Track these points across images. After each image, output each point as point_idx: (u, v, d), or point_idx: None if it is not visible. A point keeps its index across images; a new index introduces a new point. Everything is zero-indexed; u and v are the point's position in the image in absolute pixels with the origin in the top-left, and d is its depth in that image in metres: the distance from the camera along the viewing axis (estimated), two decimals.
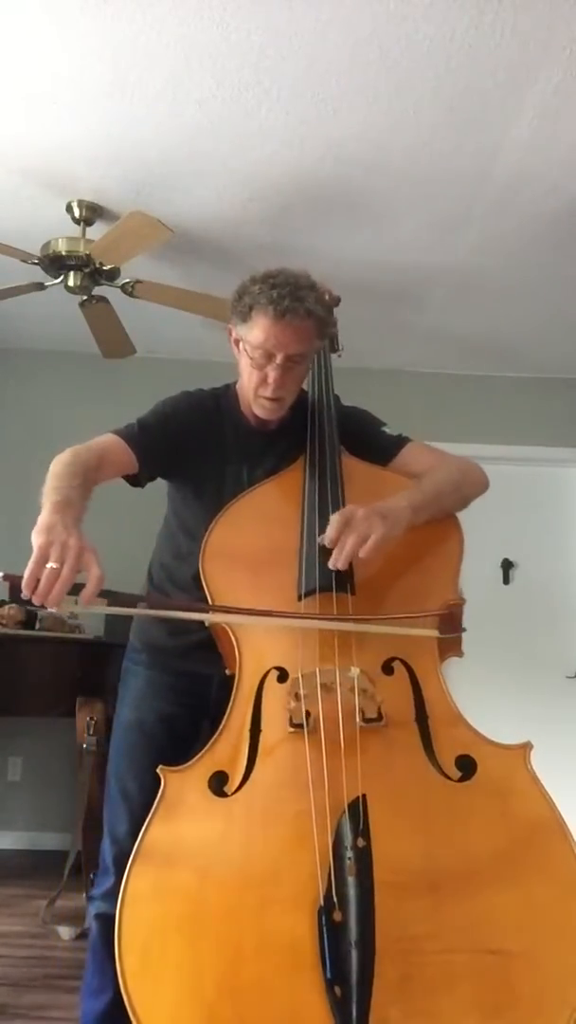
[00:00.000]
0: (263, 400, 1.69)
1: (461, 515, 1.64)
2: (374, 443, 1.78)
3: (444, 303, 3.89)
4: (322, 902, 1.11)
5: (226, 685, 1.48)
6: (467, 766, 1.27)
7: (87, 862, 3.09)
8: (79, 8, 2.19)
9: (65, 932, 2.90)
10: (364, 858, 1.14)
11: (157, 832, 1.25)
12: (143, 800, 1.39)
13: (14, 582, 1.25)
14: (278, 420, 1.78)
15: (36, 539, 1.28)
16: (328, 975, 1.07)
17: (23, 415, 4.56)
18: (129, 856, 1.24)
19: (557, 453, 4.69)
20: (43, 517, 1.33)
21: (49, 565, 1.24)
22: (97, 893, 1.67)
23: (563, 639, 4.57)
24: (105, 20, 2.23)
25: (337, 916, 1.10)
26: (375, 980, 1.07)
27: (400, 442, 1.80)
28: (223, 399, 1.83)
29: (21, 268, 3.24)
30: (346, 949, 1.09)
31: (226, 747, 1.34)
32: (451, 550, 1.55)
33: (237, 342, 1.71)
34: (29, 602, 1.25)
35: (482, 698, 4.30)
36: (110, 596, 1.31)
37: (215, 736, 1.36)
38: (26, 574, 1.24)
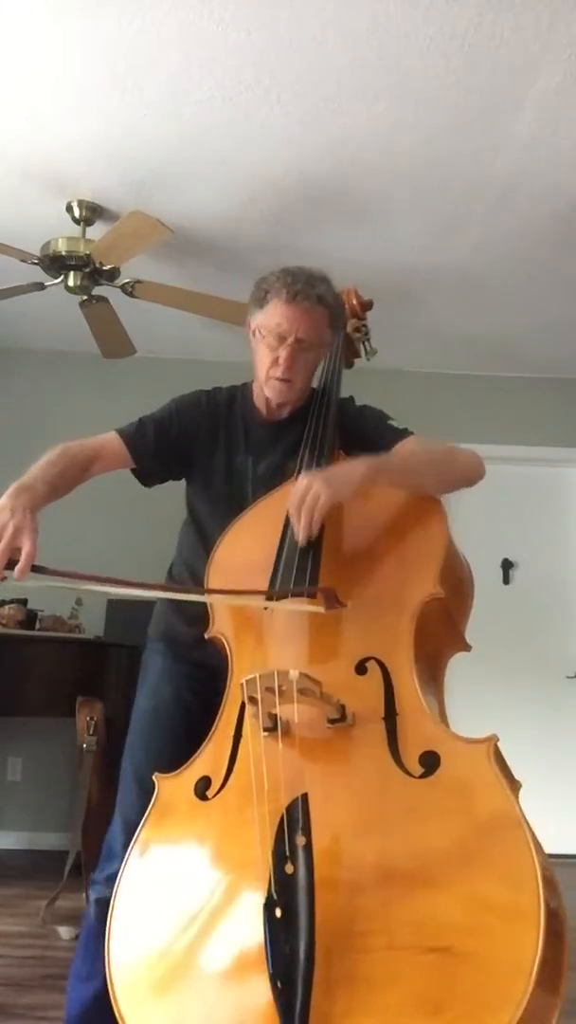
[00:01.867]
0: (274, 381, 1.74)
1: (462, 515, 1.63)
2: (375, 437, 1.79)
3: (444, 303, 3.89)
4: (264, 898, 1.14)
5: None
6: (430, 762, 1.25)
7: (87, 862, 3.08)
8: (79, 8, 2.19)
9: (65, 932, 2.90)
10: (306, 855, 1.16)
11: (149, 832, 1.35)
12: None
13: None
14: (288, 413, 1.81)
15: None
16: (270, 969, 1.09)
17: (23, 415, 4.56)
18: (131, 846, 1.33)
19: (557, 453, 4.69)
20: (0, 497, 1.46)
21: None
22: (100, 877, 1.69)
23: (563, 639, 4.58)
24: (105, 20, 2.23)
25: (278, 912, 1.12)
26: (315, 976, 1.07)
27: (397, 435, 1.79)
28: (239, 394, 1.88)
29: (21, 268, 3.24)
30: (286, 944, 1.10)
31: (213, 752, 1.40)
32: (436, 547, 1.53)
33: (255, 332, 1.77)
34: None
35: (482, 698, 4.32)
36: (43, 571, 1.41)
37: (205, 741, 1.42)
38: None
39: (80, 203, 3.13)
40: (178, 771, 1.40)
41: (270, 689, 1.29)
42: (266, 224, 3.20)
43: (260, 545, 1.61)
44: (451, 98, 2.49)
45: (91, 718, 3.18)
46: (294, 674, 1.27)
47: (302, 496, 1.51)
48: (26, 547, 1.40)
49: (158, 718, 1.74)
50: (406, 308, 3.94)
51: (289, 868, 1.15)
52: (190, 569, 1.82)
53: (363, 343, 2.05)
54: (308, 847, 1.16)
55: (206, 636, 1.55)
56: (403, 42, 2.27)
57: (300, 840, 1.17)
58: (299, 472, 1.66)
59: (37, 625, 3.75)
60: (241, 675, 1.41)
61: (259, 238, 3.31)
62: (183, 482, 1.88)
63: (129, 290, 3.33)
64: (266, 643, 1.50)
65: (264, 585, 1.52)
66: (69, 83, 2.50)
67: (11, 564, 1.39)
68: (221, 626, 1.55)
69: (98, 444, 1.73)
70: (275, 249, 3.30)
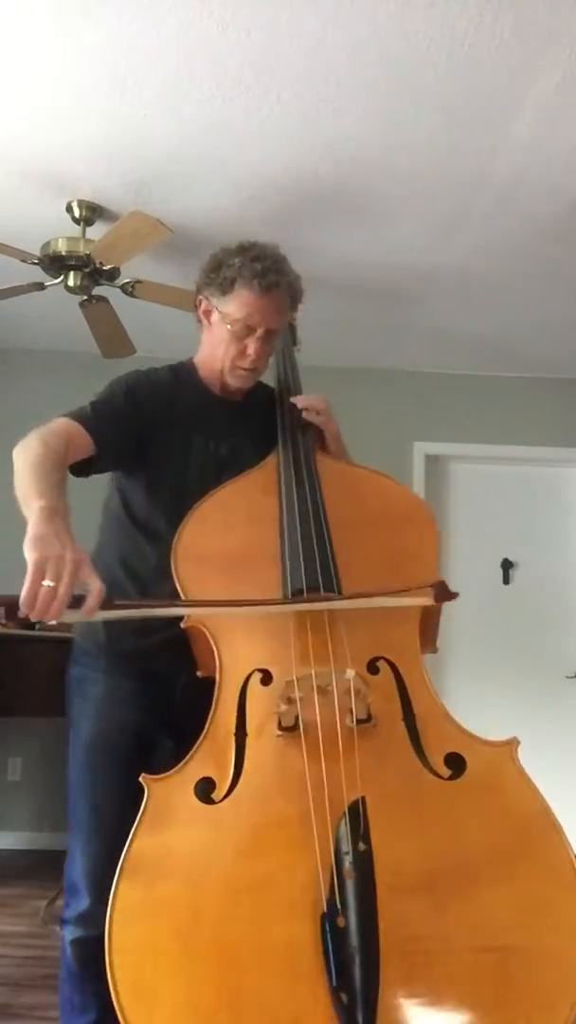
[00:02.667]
0: (240, 371, 1.70)
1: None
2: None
3: (444, 303, 3.89)
4: (325, 908, 1.10)
5: (193, 688, 1.44)
6: (456, 764, 1.26)
7: None
8: (79, 8, 2.19)
9: None
10: (366, 861, 1.13)
11: (143, 843, 1.21)
12: (117, 816, 1.33)
13: (7, 604, 1.21)
14: (241, 396, 1.77)
15: (30, 553, 1.21)
16: (334, 983, 1.05)
17: (23, 415, 4.55)
18: (106, 876, 1.19)
19: (557, 453, 4.69)
20: (34, 527, 1.26)
21: (45, 583, 1.19)
22: (70, 916, 1.58)
23: (563, 639, 4.58)
24: (105, 20, 2.23)
25: (341, 922, 1.09)
26: (381, 983, 1.06)
27: None
28: (180, 373, 1.79)
29: (21, 268, 3.24)
30: (351, 955, 1.07)
31: (211, 752, 1.30)
32: (428, 547, 1.54)
33: (208, 313, 1.70)
34: (26, 620, 1.20)
35: (482, 698, 4.32)
36: (109, 605, 1.27)
37: (198, 742, 1.32)
38: (23, 593, 1.19)
39: (80, 203, 3.13)
40: (170, 772, 1.28)
41: (321, 689, 1.26)
42: (266, 224, 3.20)
43: (242, 531, 1.52)
44: (451, 98, 2.48)
45: None
46: (351, 673, 1.26)
47: (322, 406, 1.71)
48: (94, 583, 1.22)
49: (109, 743, 1.61)
50: (406, 308, 3.94)
51: (351, 875, 1.11)
52: (127, 568, 1.67)
53: (294, 331, 2.01)
54: (369, 853, 1.13)
55: (182, 625, 1.42)
56: (403, 42, 2.27)
57: (361, 846, 1.14)
58: (280, 459, 1.62)
59: (37, 625, 3.75)
60: (237, 670, 1.36)
61: (259, 238, 3.29)
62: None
63: (129, 290, 3.33)
64: (263, 636, 1.40)
65: (262, 577, 1.44)
66: (69, 83, 2.49)
67: (74, 602, 1.22)
68: (203, 616, 1.42)
69: (66, 436, 1.55)
70: None
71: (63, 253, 3.17)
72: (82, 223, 3.18)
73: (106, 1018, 1.57)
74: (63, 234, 3.17)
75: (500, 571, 4.65)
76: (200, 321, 1.76)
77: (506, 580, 4.66)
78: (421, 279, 3.66)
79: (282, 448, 1.64)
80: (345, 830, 1.16)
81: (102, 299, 3.40)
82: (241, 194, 3.03)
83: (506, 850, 1.19)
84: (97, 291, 3.35)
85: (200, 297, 1.72)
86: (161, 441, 1.69)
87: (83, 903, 1.55)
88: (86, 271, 3.20)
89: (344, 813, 1.17)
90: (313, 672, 1.27)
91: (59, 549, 1.22)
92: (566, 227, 3.17)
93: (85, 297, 3.37)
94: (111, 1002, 1.54)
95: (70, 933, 1.58)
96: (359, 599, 1.38)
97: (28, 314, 4.07)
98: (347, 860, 1.13)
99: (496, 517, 4.65)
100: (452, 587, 1.39)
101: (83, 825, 1.60)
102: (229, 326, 1.65)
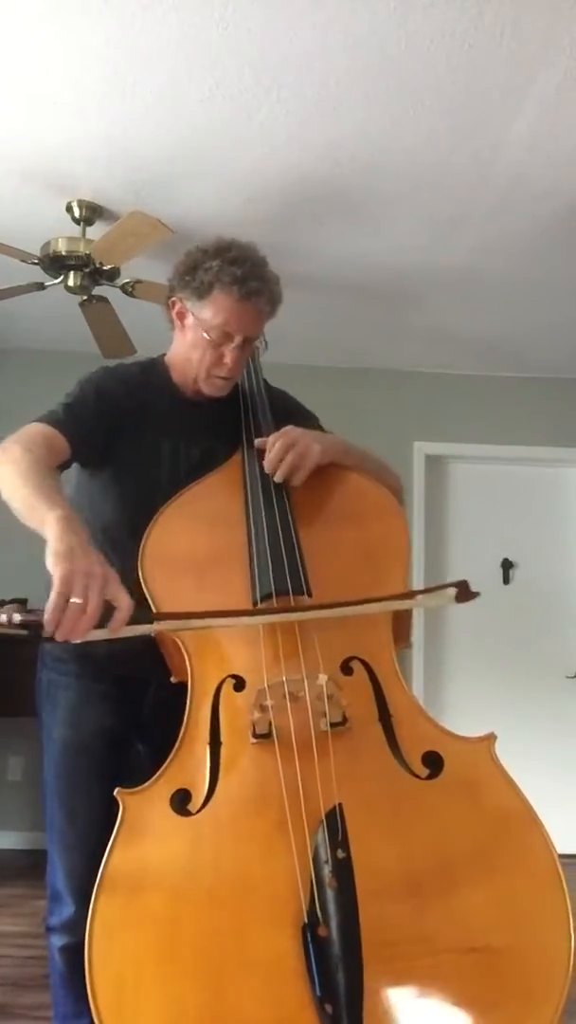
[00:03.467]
0: (216, 380, 1.62)
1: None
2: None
3: (444, 303, 3.89)
4: (306, 918, 1.08)
5: (165, 689, 1.41)
6: (434, 762, 1.24)
7: None
8: (79, 8, 2.19)
9: None
10: (345, 869, 1.11)
11: (120, 858, 1.18)
12: (93, 822, 1.31)
13: (32, 625, 1.14)
14: (214, 397, 1.69)
15: (56, 568, 1.14)
16: (318, 992, 1.03)
17: (23, 415, 4.55)
18: (87, 881, 1.17)
19: (557, 453, 4.69)
20: (57, 540, 1.17)
21: (73, 600, 1.12)
22: (56, 924, 1.56)
23: (563, 639, 4.58)
24: (105, 20, 2.23)
25: (322, 931, 1.07)
26: (364, 991, 1.04)
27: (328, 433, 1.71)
28: (151, 372, 1.71)
29: (21, 268, 3.24)
30: (334, 964, 1.05)
31: (185, 763, 1.26)
32: (400, 542, 1.50)
33: (182, 315, 1.62)
34: (50, 638, 1.13)
35: (482, 698, 4.33)
36: (138, 621, 1.21)
37: (172, 752, 1.28)
38: (49, 611, 1.12)
39: (80, 203, 3.13)
40: (144, 785, 1.24)
41: (293, 695, 1.23)
42: (266, 224, 3.20)
43: (208, 533, 1.48)
44: (451, 98, 2.49)
45: None
46: (323, 678, 1.23)
47: (292, 440, 1.46)
48: (124, 599, 1.15)
49: (82, 748, 1.58)
50: (406, 308, 3.94)
51: (332, 884, 1.09)
52: None
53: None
54: (348, 861, 1.11)
55: (151, 633, 1.37)
56: (403, 42, 2.27)
57: (340, 854, 1.11)
58: (244, 457, 1.57)
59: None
60: (209, 677, 1.32)
61: (259, 238, 3.26)
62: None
63: (129, 290, 3.33)
64: (235, 643, 1.36)
65: (231, 581, 1.40)
66: (69, 83, 2.49)
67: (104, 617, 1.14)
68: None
69: (45, 441, 1.50)
70: (275, 249, 3.27)
71: (63, 253, 3.17)
72: (82, 223, 3.18)
73: None
74: (63, 234, 3.17)
75: (500, 571, 4.65)
76: (172, 321, 1.67)
77: (506, 580, 4.66)
78: (421, 279, 3.66)
79: (247, 447, 1.59)
80: (323, 838, 1.13)
81: (102, 299, 3.40)
82: (241, 194, 3.04)
83: (486, 848, 1.17)
84: (97, 291, 3.35)
85: (174, 298, 1.64)
86: (128, 442, 1.62)
87: (68, 910, 1.53)
88: (86, 271, 3.20)
89: (322, 821, 1.14)
90: (284, 679, 1.24)
91: (86, 564, 1.14)
92: (566, 227, 3.16)
93: (85, 297, 3.37)
94: None
95: (58, 940, 1.56)
96: (372, 603, 1.34)
97: (28, 314, 4.07)
98: (326, 869, 1.11)
99: (496, 517, 4.65)
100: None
101: (60, 833, 1.57)
102: (205, 333, 1.57)
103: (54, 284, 3.28)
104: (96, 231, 3.15)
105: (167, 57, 2.37)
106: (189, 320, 1.61)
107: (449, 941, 1.10)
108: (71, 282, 3.23)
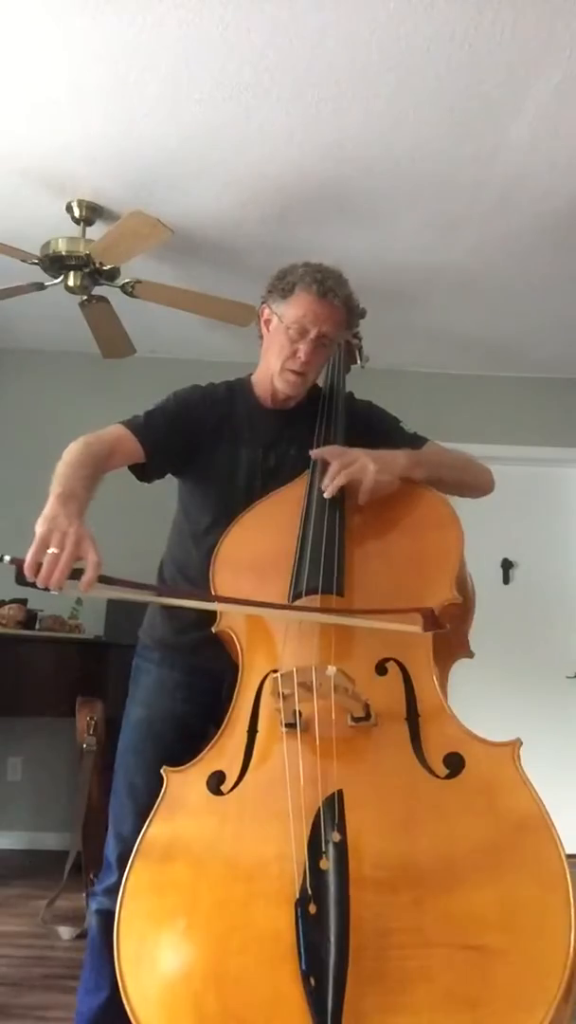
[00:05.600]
0: (289, 373, 1.75)
1: (462, 515, 1.63)
2: (386, 438, 1.80)
3: (444, 303, 3.89)
4: (298, 894, 1.13)
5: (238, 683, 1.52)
6: (455, 763, 1.27)
7: (87, 862, 3.09)
8: (79, 8, 2.19)
9: (65, 932, 2.90)
10: (339, 852, 1.15)
11: (157, 829, 1.31)
12: (150, 798, 1.41)
13: (19, 565, 1.33)
14: (293, 405, 1.82)
15: (38, 527, 1.36)
16: (303, 967, 1.08)
17: (23, 415, 4.56)
18: (132, 853, 1.29)
19: (557, 453, 4.69)
20: (47, 508, 1.41)
21: (50, 550, 1.32)
22: (99, 889, 1.69)
23: (563, 639, 4.58)
24: (105, 20, 2.23)
25: (312, 908, 1.11)
26: (350, 973, 1.07)
27: (415, 442, 1.82)
28: (236, 388, 1.87)
29: (21, 268, 3.24)
30: (320, 941, 1.09)
31: (226, 747, 1.38)
32: (452, 552, 1.54)
33: (268, 322, 1.79)
34: (32, 585, 1.32)
35: (482, 698, 4.31)
36: (109, 581, 1.37)
37: (216, 737, 1.40)
38: (28, 557, 1.32)
39: (80, 203, 3.13)
40: (188, 765, 1.38)
41: (304, 684, 1.29)
42: (266, 224, 3.20)
43: (271, 539, 1.61)
44: (451, 98, 2.49)
45: (91, 718, 3.18)
46: (331, 670, 1.28)
47: (349, 460, 1.57)
48: (91, 556, 1.34)
49: (152, 730, 1.72)
50: (406, 308, 3.94)
51: (324, 864, 1.15)
52: (181, 570, 1.81)
53: (359, 350, 2.06)
54: (343, 844, 1.16)
55: (213, 630, 1.53)
56: (403, 42, 2.27)
57: (335, 836, 1.17)
58: (312, 470, 1.66)
59: (37, 625, 3.75)
60: (256, 670, 1.43)
61: (259, 238, 3.31)
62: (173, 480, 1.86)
63: (129, 290, 3.33)
64: (282, 638, 1.47)
65: (279, 581, 1.51)
66: (69, 83, 2.49)
67: (75, 574, 1.33)
68: (230, 621, 1.53)
69: (112, 440, 1.68)
70: (275, 249, 3.30)
71: (63, 253, 3.17)
72: (82, 223, 3.18)
73: (116, 998, 1.61)
74: (63, 234, 3.17)
75: (500, 571, 4.65)
76: (261, 336, 1.84)
77: (506, 580, 4.66)
78: (421, 279, 3.66)
79: (315, 462, 1.69)
80: (321, 821, 1.19)
81: (102, 299, 3.40)
82: (241, 194, 3.04)
83: (494, 851, 1.19)
84: (97, 291, 3.36)
85: (263, 306, 1.81)
86: (211, 452, 1.78)
87: (112, 877, 1.64)
88: (86, 271, 3.20)
89: (320, 805, 1.21)
90: (295, 669, 1.30)
91: (64, 525, 1.36)
92: (566, 227, 3.17)
93: (85, 297, 3.37)
94: None
95: (96, 903, 1.69)
96: (343, 615, 1.44)
97: (28, 314, 4.07)
98: (321, 850, 1.17)
99: (496, 517, 4.64)
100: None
101: (119, 805, 1.70)
102: (287, 325, 1.72)
103: (54, 284, 3.28)
104: (96, 231, 3.15)
105: (167, 57, 2.37)
106: (274, 323, 1.77)
107: (443, 936, 1.11)
108: (71, 282, 3.23)
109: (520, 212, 3.09)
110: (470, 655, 1.58)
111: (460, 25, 2.20)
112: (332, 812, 1.19)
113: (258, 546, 1.62)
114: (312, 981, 1.07)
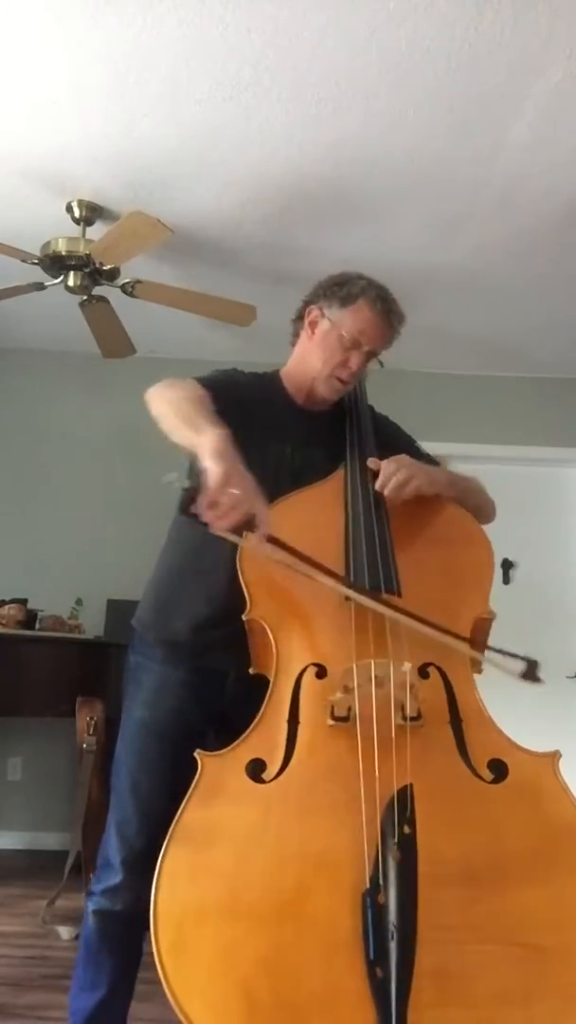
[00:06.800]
0: (336, 380, 1.77)
1: None
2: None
3: (444, 303, 3.89)
4: (367, 884, 1.15)
5: (243, 682, 1.51)
6: (499, 769, 1.32)
7: (87, 862, 3.08)
8: (80, 8, 2.19)
9: (65, 932, 2.90)
10: (409, 845, 1.19)
11: (194, 814, 1.28)
12: (156, 799, 1.41)
13: (192, 495, 1.29)
14: (323, 409, 1.84)
15: (214, 463, 1.30)
16: (371, 956, 1.11)
17: (23, 415, 4.56)
18: (139, 854, 1.30)
19: (557, 453, 4.69)
20: (212, 440, 1.34)
21: (232, 490, 1.28)
22: (98, 889, 1.66)
23: (563, 639, 4.58)
24: (105, 20, 2.23)
25: (381, 899, 1.14)
26: (416, 962, 1.11)
27: (432, 463, 1.86)
28: (267, 379, 1.87)
29: (21, 268, 3.24)
30: (389, 931, 1.13)
31: (264, 736, 1.37)
32: (484, 570, 1.66)
33: (314, 324, 1.79)
34: (195, 517, 1.28)
35: (482, 698, 4.31)
36: (276, 542, 1.34)
37: (252, 726, 1.38)
38: (211, 490, 1.27)
39: (80, 203, 3.13)
40: (223, 751, 1.35)
41: (378, 679, 1.32)
42: (266, 224, 3.20)
43: (312, 530, 1.58)
44: (451, 98, 2.49)
45: (91, 718, 3.18)
46: (407, 666, 1.32)
47: (396, 468, 1.59)
48: (263, 510, 1.32)
49: (155, 730, 1.69)
50: (406, 308, 3.91)
51: (396, 856, 1.18)
52: (193, 562, 1.74)
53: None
54: (413, 837, 1.20)
55: (244, 617, 1.48)
56: (403, 42, 2.27)
57: (406, 829, 1.20)
58: (348, 470, 1.68)
59: (37, 625, 3.75)
60: (295, 660, 1.43)
61: (259, 238, 3.31)
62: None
63: (129, 290, 3.33)
64: (322, 632, 1.47)
65: (333, 564, 1.49)
66: (69, 83, 2.49)
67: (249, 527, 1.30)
68: (264, 611, 1.48)
69: (201, 391, 1.61)
70: (275, 249, 3.30)
71: (63, 253, 3.17)
72: (82, 223, 3.18)
73: (114, 998, 1.63)
74: (63, 234, 3.17)
75: (500, 571, 4.65)
76: (298, 334, 1.84)
77: (506, 580, 4.66)
78: (421, 279, 3.65)
79: (350, 462, 1.71)
80: (392, 813, 1.21)
81: (102, 299, 3.40)
82: (241, 194, 3.04)
83: (542, 854, 1.24)
84: (97, 291, 3.35)
85: (312, 307, 1.80)
86: (245, 437, 1.70)
87: (115, 878, 1.61)
88: (86, 271, 3.20)
89: (393, 796, 1.22)
90: (372, 662, 1.33)
91: (241, 470, 1.32)
92: (566, 227, 3.17)
93: (85, 297, 3.37)
94: (121, 983, 1.61)
95: (94, 904, 1.66)
96: (449, 636, 1.44)
97: (28, 314, 4.07)
98: (391, 841, 1.19)
99: (496, 517, 4.64)
100: None
101: (122, 804, 1.67)
102: (343, 333, 1.74)
103: (54, 284, 3.28)
104: (96, 231, 3.15)
105: (167, 57, 2.37)
106: (324, 326, 1.78)
107: (499, 933, 1.16)
108: (71, 282, 3.23)
109: (520, 212, 3.08)
110: (479, 671, 1.60)
111: (460, 25, 2.20)
112: (405, 805, 1.22)
113: (296, 540, 1.55)
114: (379, 971, 1.10)
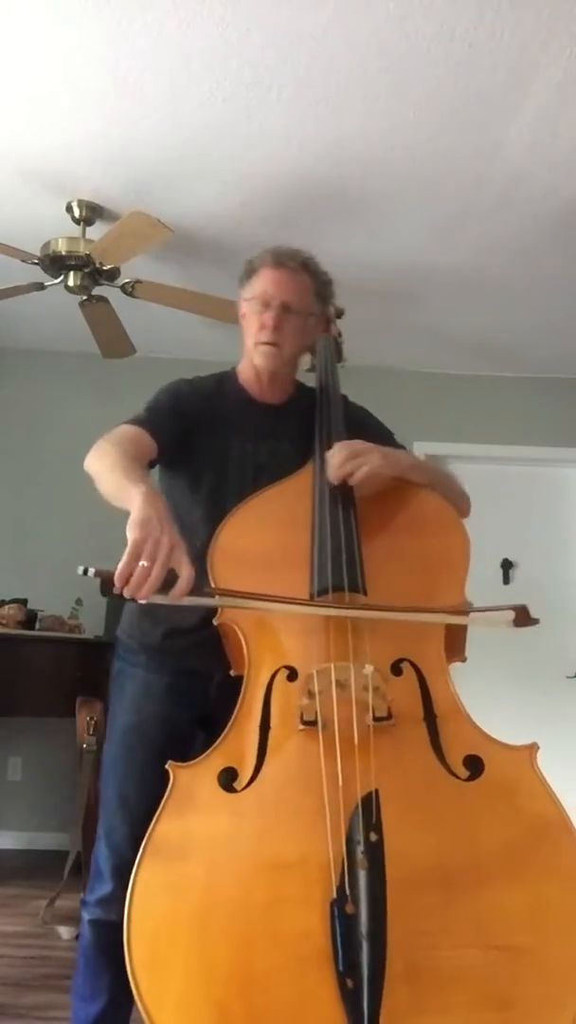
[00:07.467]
0: (261, 346, 1.73)
1: None
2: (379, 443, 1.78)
3: (444, 303, 3.89)
4: (335, 894, 1.13)
5: (227, 685, 1.48)
6: (475, 765, 1.28)
7: (87, 862, 3.08)
8: (80, 8, 2.19)
9: (65, 932, 2.90)
10: (376, 852, 1.16)
11: (166, 827, 1.26)
12: (144, 806, 1.37)
13: (106, 579, 1.28)
14: (281, 400, 1.80)
15: (132, 533, 1.29)
16: (340, 967, 1.08)
17: (23, 415, 4.56)
18: (129, 863, 1.24)
19: (557, 453, 4.69)
20: (137, 509, 1.32)
21: (141, 563, 1.25)
22: (91, 899, 1.64)
23: (563, 639, 4.57)
24: (105, 20, 2.23)
25: (350, 908, 1.12)
26: (387, 972, 1.08)
27: (403, 451, 1.79)
28: (224, 379, 1.85)
29: (21, 268, 3.24)
30: (358, 941, 1.10)
31: (235, 744, 1.34)
32: (459, 556, 1.55)
33: (242, 306, 1.78)
34: (119, 597, 1.28)
35: (482, 698, 4.30)
36: (200, 592, 1.33)
37: (223, 734, 1.36)
38: (119, 569, 1.26)
39: (80, 203, 3.13)
40: (195, 761, 1.33)
41: (340, 682, 1.29)
42: (266, 224, 3.20)
43: (277, 532, 1.56)
44: (451, 98, 2.49)
45: (91, 718, 3.18)
46: (369, 668, 1.29)
47: (356, 451, 1.54)
48: (186, 570, 1.28)
49: (140, 736, 1.66)
50: (406, 307, 3.94)
51: (363, 864, 1.15)
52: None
53: (341, 348, 2.04)
54: (380, 844, 1.17)
55: (214, 622, 1.46)
56: (403, 42, 2.27)
57: (372, 836, 1.17)
58: (316, 465, 1.63)
59: (37, 625, 3.76)
60: (266, 665, 1.39)
61: (259, 238, 3.28)
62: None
63: (129, 290, 3.33)
64: (293, 634, 1.43)
65: (293, 576, 1.47)
66: (69, 83, 2.49)
67: (166, 584, 1.27)
68: (234, 615, 1.45)
69: (136, 440, 1.62)
70: None
71: (63, 253, 3.17)
72: (82, 223, 3.18)
73: (115, 1009, 1.61)
74: (63, 234, 3.17)
75: (500, 571, 4.65)
76: (242, 330, 1.82)
77: (506, 580, 4.66)
78: (421, 279, 3.66)
79: (319, 454, 1.66)
80: (358, 821, 1.18)
81: (102, 299, 3.40)
82: (241, 194, 3.04)
83: (519, 852, 1.21)
84: (97, 291, 3.36)
85: (239, 302, 1.80)
86: (201, 444, 1.74)
87: (106, 888, 1.60)
88: (86, 271, 3.20)
89: (357, 804, 1.20)
90: (333, 666, 1.30)
91: (158, 532, 1.28)
92: (566, 227, 3.17)
93: (85, 297, 3.37)
94: (120, 993, 1.56)
95: (89, 914, 1.64)
96: (425, 613, 1.40)
97: (28, 314, 4.07)
98: (359, 849, 1.16)
99: (496, 517, 4.64)
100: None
101: (110, 813, 1.65)
102: (252, 299, 1.73)
103: (54, 284, 3.28)
104: (96, 231, 3.15)
105: (167, 57, 2.37)
106: (243, 308, 1.77)
107: (473, 937, 1.13)
108: (71, 282, 3.24)
109: (520, 212, 3.08)
110: (463, 659, 1.58)
111: (460, 25, 2.20)
112: (370, 812, 1.19)
113: (261, 541, 1.55)
114: (349, 982, 1.07)
